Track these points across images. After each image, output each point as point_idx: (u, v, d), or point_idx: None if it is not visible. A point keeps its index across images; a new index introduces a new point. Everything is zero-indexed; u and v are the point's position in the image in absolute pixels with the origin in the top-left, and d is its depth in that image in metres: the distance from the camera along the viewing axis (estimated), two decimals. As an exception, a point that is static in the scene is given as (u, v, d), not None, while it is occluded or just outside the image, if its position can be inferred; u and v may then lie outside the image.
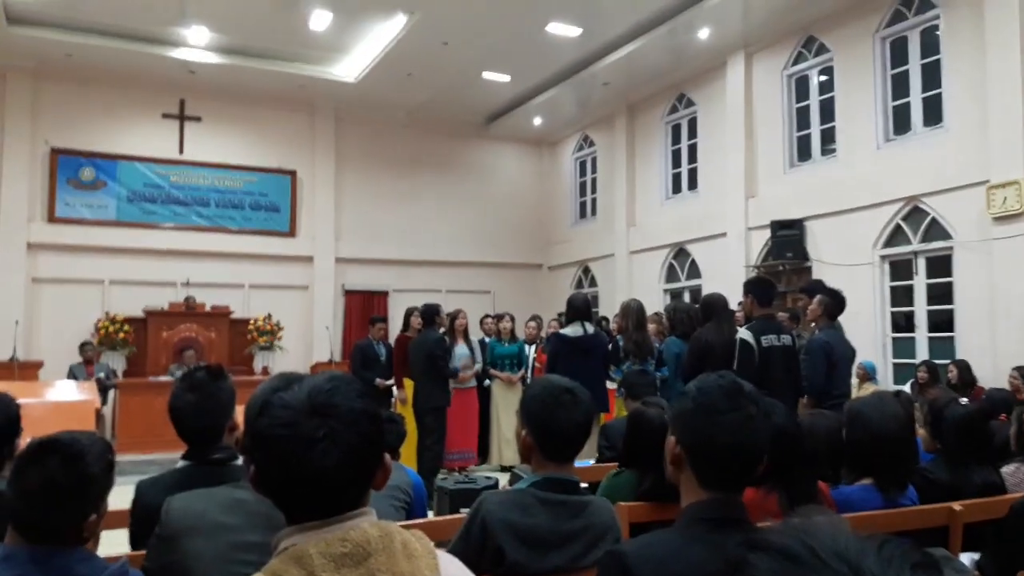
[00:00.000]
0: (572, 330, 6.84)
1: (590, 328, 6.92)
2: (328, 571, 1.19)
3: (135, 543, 2.44)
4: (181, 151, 14.00)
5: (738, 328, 5.85)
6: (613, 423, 4.71)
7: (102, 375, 11.21)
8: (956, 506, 2.93)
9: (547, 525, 2.18)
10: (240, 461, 2.54)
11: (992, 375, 8.18)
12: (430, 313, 8.36)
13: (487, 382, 9.46)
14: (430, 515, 3.97)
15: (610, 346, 7.21)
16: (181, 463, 2.53)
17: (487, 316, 10.14)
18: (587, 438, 2.34)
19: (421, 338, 8.30)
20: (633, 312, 7.22)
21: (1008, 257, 8.37)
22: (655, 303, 11.98)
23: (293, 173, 14.74)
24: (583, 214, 16.45)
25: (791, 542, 0.62)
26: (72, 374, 11.14)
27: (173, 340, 12.37)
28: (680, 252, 13.45)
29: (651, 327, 7.82)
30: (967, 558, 2.96)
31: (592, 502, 2.31)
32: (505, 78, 13.81)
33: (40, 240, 12.88)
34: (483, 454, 9.45)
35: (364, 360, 9.43)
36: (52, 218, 13.03)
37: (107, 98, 13.44)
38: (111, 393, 11.07)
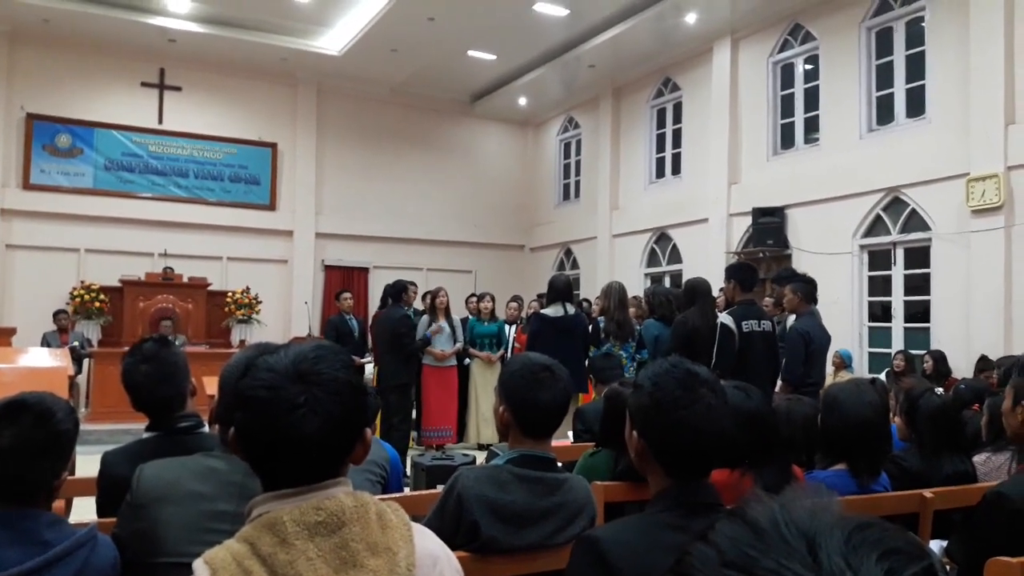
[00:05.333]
0: (553, 310, 6.87)
1: (571, 309, 6.97)
2: (301, 539, 1.19)
3: (101, 514, 2.42)
4: (160, 121, 13.81)
5: (718, 313, 5.87)
6: (588, 406, 4.67)
7: (76, 344, 11.07)
8: (927, 493, 2.95)
9: (523, 501, 2.18)
10: (207, 428, 2.52)
11: (966, 367, 8.26)
12: (397, 290, 8.26)
13: (467, 361, 9.46)
14: (406, 491, 3.96)
15: (590, 327, 7.23)
16: (147, 434, 2.51)
17: (472, 295, 10.11)
18: (564, 415, 2.35)
19: (385, 315, 8.22)
20: (615, 293, 7.23)
21: (985, 250, 8.44)
22: (636, 287, 12.00)
23: (274, 146, 14.58)
24: (566, 196, 16.41)
25: (761, 514, 0.61)
26: (46, 342, 10.98)
27: (150, 310, 12.26)
28: (662, 236, 13.47)
29: (631, 310, 7.83)
30: (936, 545, 3.00)
31: (568, 479, 2.31)
32: (491, 57, 13.73)
33: (14, 207, 12.67)
34: (461, 432, 9.46)
35: (338, 336, 9.34)
36: (27, 185, 12.81)
37: (85, 65, 13.21)
38: (86, 362, 10.95)
